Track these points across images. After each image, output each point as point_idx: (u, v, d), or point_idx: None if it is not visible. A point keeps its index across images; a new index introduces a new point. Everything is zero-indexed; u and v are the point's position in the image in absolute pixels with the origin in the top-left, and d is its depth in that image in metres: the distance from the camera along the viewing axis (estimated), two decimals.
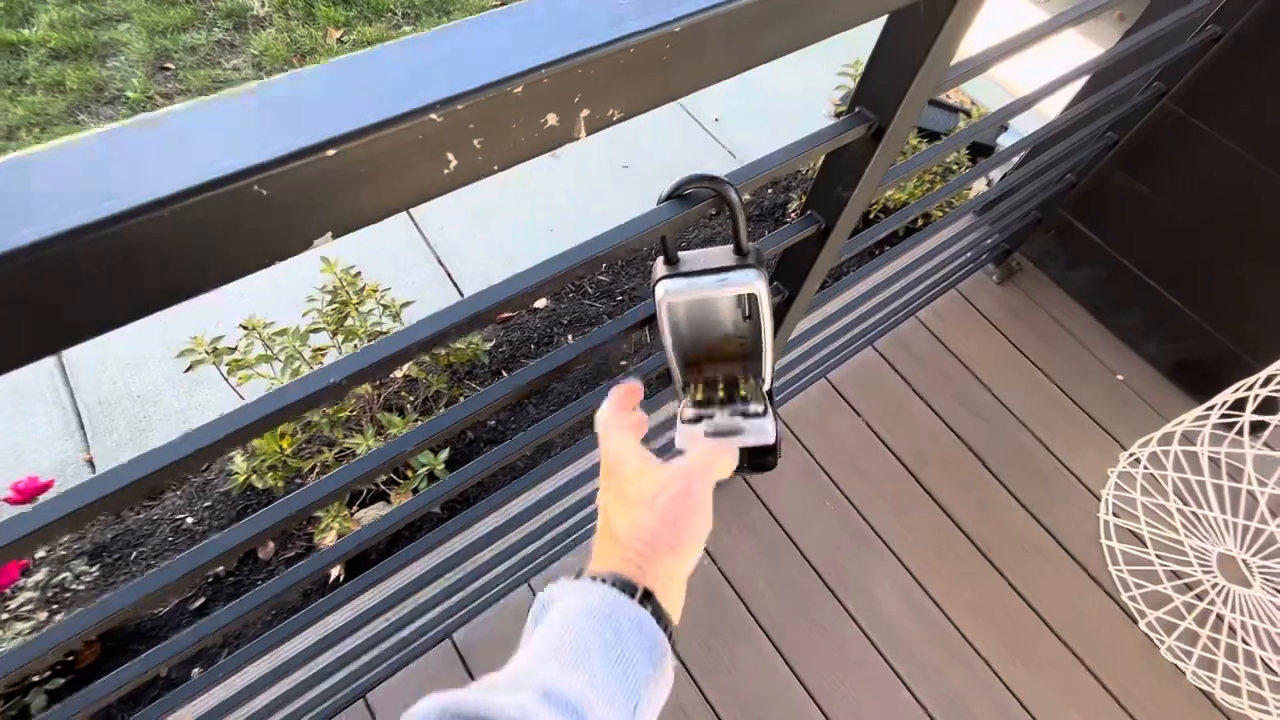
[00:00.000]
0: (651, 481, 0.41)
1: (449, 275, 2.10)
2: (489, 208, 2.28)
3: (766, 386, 0.56)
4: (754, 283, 0.46)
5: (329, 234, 0.24)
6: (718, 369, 0.58)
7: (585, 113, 0.27)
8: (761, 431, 0.49)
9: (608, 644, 0.33)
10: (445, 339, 0.38)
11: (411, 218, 2.24)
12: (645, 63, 0.27)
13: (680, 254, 0.49)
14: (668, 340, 0.50)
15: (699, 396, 0.52)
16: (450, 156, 0.25)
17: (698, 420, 0.51)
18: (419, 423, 1.61)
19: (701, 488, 0.42)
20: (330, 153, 0.21)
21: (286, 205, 0.22)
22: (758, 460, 0.51)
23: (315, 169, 0.21)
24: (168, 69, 2.56)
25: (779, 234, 0.59)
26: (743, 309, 0.53)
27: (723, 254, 0.48)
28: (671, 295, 0.47)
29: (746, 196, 2.53)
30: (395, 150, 0.23)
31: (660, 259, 0.48)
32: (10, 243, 0.16)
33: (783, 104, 2.64)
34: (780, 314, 0.74)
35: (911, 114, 0.50)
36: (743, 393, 0.52)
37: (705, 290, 0.46)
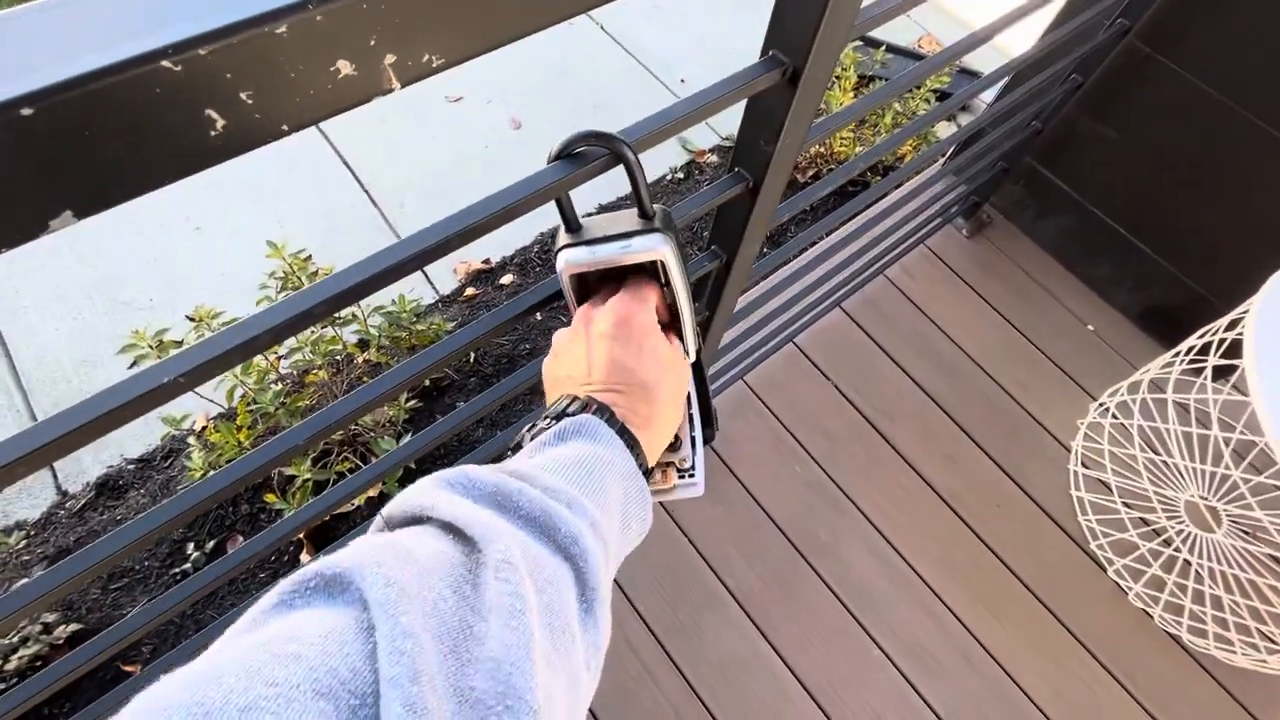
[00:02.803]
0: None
1: None
2: (451, 183, 2.22)
3: (692, 359, 0.53)
4: (658, 248, 0.43)
5: (68, 212, 0.20)
6: None
7: (390, 59, 0.24)
8: (691, 489, 0.48)
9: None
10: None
11: (370, 197, 2.17)
12: None
13: (584, 220, 0.45)
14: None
15: None
16: (212, 114, 0.21)
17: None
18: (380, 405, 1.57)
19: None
20: (25, 111, 0.17)
21: None
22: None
23: (10, 132, 0.18)
24: None
25: (703, 194, 0.55)
26: (658, 276, 0.50)
27: (628, 218, 0.44)
28: (573, 265, 0.44)
29: (714, 159, 2.45)
30: (124, 106, 0.19)
31: (561, 226, 0.45)
32: None
33: (747, 64, 2.57)
34: (720, 280, 0.71)
35: (828, 56, 0.46)
36: (678, 455, 0.49)
37: (607, 258, 0.43)
